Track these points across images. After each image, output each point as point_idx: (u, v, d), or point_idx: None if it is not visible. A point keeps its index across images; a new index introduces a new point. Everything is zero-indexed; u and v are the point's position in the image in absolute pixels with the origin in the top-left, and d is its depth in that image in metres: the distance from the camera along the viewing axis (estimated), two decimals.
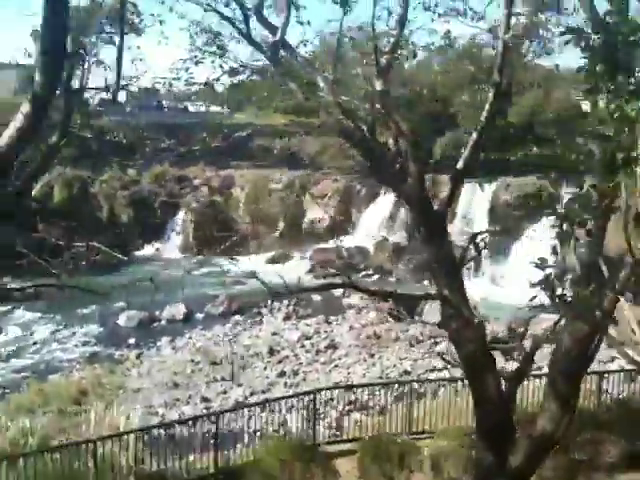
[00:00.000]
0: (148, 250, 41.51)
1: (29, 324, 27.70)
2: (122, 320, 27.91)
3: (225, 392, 21.29)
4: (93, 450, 9.89)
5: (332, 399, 17.36)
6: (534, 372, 10.91)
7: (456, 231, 38.20)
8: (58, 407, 18.76)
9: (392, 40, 7.79)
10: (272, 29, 7.85)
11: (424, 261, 37.16)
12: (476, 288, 25.72)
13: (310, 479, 9.05)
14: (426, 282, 35.63)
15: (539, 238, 34.94)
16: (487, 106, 7.64)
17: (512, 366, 22.25)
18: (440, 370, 22.10)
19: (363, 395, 16.46)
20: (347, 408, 17.76)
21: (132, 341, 25.85)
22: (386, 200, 39.16)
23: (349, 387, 17.53)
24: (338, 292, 32.24)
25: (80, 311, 28.58)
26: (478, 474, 7.53)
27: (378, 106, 7.68)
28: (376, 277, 35.08)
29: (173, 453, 11.27)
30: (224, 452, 11.34)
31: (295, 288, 7.86)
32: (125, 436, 10.97)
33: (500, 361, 23.20)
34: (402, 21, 7.79)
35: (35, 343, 25.62)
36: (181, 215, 43.01)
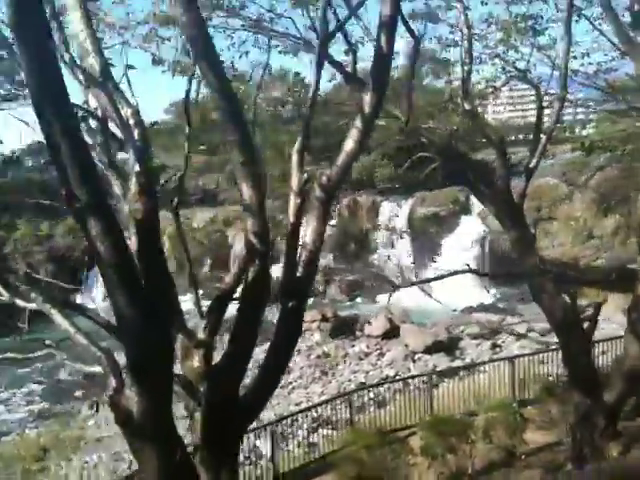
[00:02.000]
0: (77, 300, 40.44)
1: None
2: (64, 375, 27.18)
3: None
4: None
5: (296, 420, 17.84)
6: None
7: (380, 242, 39.98)
8: (22, 467, 18.21)
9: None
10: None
11: (357, 278, 38.52)
12: (408, 297, 27.15)
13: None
14: (359, 299, 37.06)
15: (455, 246, 37.30)
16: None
17: (456, 364, 23.61)
18: (393, 377, 23.15)
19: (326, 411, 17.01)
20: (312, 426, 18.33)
21: (79, 394, 25.22)
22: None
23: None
24: (275, 318, 32.74)
25: (14, 372, 27.55)
26: (579, 415, 8.72)
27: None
28: (311, 300, 35.85)
29: None
30: None
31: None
32: None
33: (445, 360, 24.53)
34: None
35: None
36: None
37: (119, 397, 4.83)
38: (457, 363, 23.89)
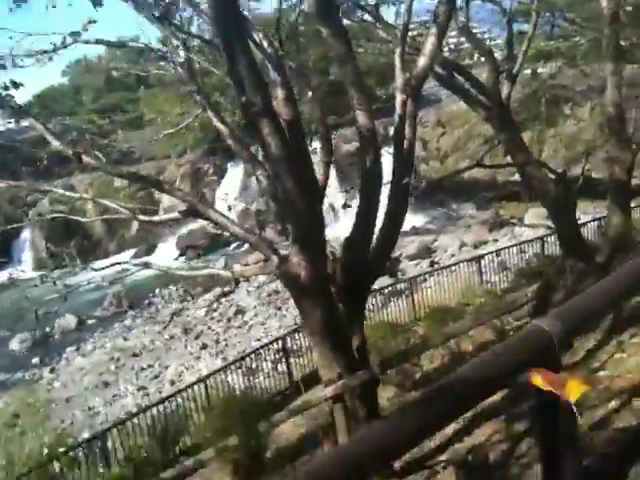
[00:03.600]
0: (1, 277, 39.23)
1: None
2: (14, 345, 26.82)
3: (157, 376, 21.77)
4: None
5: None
6: None
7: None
8: None
9: None
10: None
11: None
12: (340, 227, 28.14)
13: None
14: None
15: None
16: None
17: (400, 285, 24.89)
18: None
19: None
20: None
21: (35, 360, 25.08)
22: (236, 172, 40.43)
23: None
24: (219, 266, 33.23)
25: None
26: (574, 276, 10.04)
27: None
28: (247, 245, 36.36)
29: None
30: None
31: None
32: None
33: (388, 281, 25.90)
34: None
35: None
36: (26, 235, 40.99)
37: (287, 266, 5.99)
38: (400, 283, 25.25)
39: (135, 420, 12.07)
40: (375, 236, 7.11)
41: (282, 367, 16.38)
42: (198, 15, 7.22)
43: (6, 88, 6.25)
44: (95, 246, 41.30)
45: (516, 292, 14.31)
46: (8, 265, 39.91)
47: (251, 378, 15.45)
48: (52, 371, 23.55)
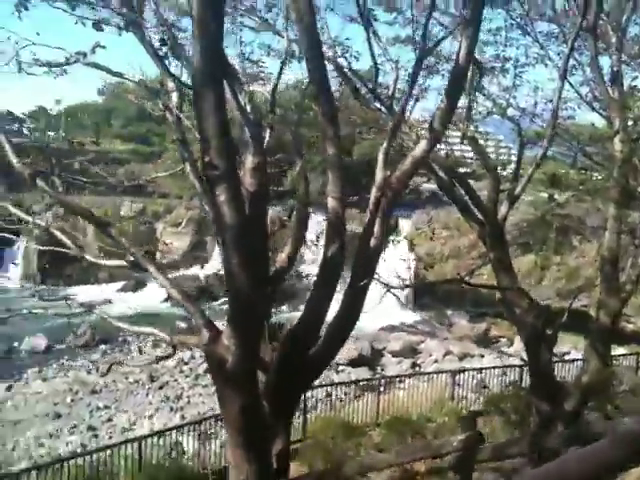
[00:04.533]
0: None
1: None
2: None
3: (110, 419, 21.10)
4: None
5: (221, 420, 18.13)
6: None
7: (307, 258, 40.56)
8: None
9: None
10: None
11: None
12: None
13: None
14: (284, 307, 37.53)
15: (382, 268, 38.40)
16: None
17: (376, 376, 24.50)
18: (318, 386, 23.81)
19: None
20: None
21: None
22: None
23: None
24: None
25: None
26: (540, 419, 9.66)
27: None
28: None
29: None
30: None
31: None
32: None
33: (367, 374, 25.40)
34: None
35: None
36: (21, 244, 40.78)
37: (215, 346, 5.47)
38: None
39: (64, 464, 11.29)
40: (323, 334, 6.75)
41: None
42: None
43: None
44: (86, 270, 40.96)
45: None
46: None
47: (206, 444, 14.82)
48: (9, 389, 22.87)
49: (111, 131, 61.27)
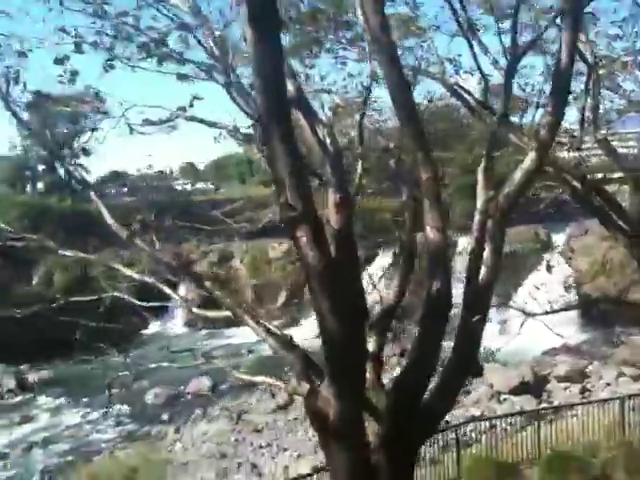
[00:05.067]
0: (153, 328, 41.56)
1: (56, 410, 27.46)
2: (150, 398, 27.86)
3: (273, 458, 21.41)
4: None
5: None
6: None
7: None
8: None
9: None
10: None
11: None
12: (486, 336, 26.30)
13: None
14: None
15: (533, 284, 36.34)
16: None
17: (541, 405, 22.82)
18: (479, 417, 22.68)
19: None
20: None
21: (165, 417, 25.82)
22: (383, 261, 40.25)
23: None
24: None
25: (103, 394, 28.41)
26: None
27: None
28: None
29: None
30: None
31: None
32: None
33: (532, 402, 23.79)
34: None
35: (68, 427, 25.39)
36: (182, 291, 43.24)
37: (314, 399, 5.09)
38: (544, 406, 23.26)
39: None
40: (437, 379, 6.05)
41: None
42: None
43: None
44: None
45: None
46: (161, 317, 42.31)
47: None
48: (177, 431, 24.00)
49: (255, 178, 64.06)
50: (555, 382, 25.86)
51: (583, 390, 24.54)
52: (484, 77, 7.90)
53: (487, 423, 17.01)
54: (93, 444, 23.79)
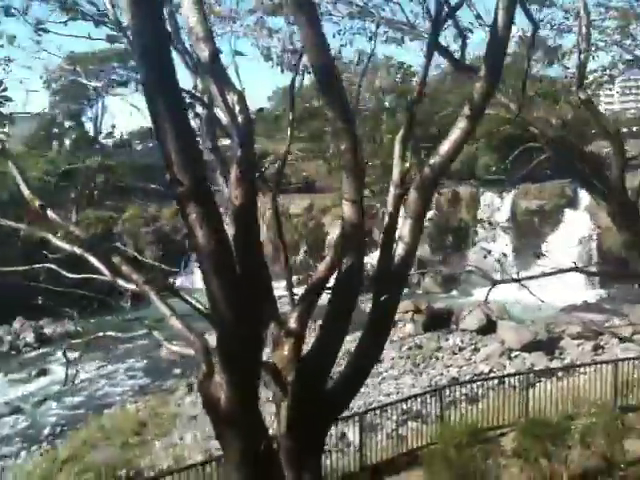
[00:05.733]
0: (176, 283, 42.06)
1: (71, 364, 28.04)
2: (164, 352, 28.23)
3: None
4: None
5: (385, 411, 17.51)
6: None
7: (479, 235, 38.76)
8: (121, 440, 19.03)
9: None
10: None
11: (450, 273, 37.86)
12: (506, 292, 25.79)
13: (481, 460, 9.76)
14: (454, 292, 36.27)
15: (560, 242, 35.58)
16: None
17: (555, 364, 22.60)
18: (487, 374, 22.48)
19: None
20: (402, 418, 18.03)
21: (177, 371, 26.18)
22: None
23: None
24: (367, 308, 32.70)
25: (120, 347, 28.94)
26: None
27: None
28: (405, 291, 35.34)
29: None
30: None
31: None
32: None
33: (543, 360, 23.46)
34: None
35: (82, 381, 25.95)
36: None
37: (208, 383, 4.83)
38: (555, 363, 22.94)
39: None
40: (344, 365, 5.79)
41: (404, 430, 15.32)
42: None
43: None
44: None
45: None
46: (182, 275, 42.72)
47: (368, 435, 14.39)
48: (189, 388, 24.30)
49: (281, 134, 63.55)
50: (569, 339, 25.45)
51: (595, 348, 24.10)
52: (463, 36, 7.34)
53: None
54: (106, 397, 24.33)
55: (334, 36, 9.95)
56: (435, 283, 36.42)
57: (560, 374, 17.10)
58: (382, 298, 5.67)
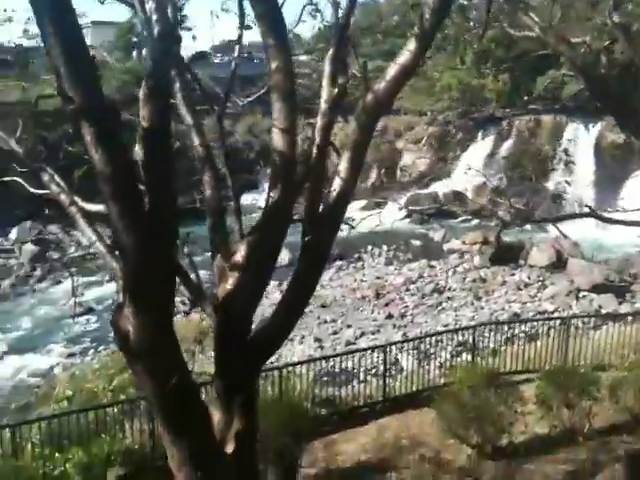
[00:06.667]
0: (245, 200, 42.48)
1: None
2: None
3: (336, 333, 21.91)
4: (279, 375, 10.89)
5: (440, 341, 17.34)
6: None
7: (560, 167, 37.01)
8: (184, 347, 19.75)
9: None
10: None
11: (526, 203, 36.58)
12: (581, 229, 24.65)
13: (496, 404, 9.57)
14: (528, 226, 35.08)
15: None
16: None
17: (625, 308, 21.72)
18: (552, 313, 21.95)
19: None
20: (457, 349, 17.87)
21: None
22: (485, 143, 38.51)
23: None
24: (438, 237, 32.24)
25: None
26: None
27: None
28: (475, 221, 34.54)
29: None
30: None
31: None
32: (299, 366, 11.98)
33: (612, 302, 22.54)
34: None
35: None
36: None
37: (119, 314, 4.50)
38: (625, 308, 22.05)
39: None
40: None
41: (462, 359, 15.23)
42: None
43: None
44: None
45: None
46: (254, 191, 43.09)
47: (423, 363, 14.38)
48: None
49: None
50: None
51: None
52: None
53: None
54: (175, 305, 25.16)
55: None
56: (509, 214, 35.28)
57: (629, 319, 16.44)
58: (312, 237, 5.20)
